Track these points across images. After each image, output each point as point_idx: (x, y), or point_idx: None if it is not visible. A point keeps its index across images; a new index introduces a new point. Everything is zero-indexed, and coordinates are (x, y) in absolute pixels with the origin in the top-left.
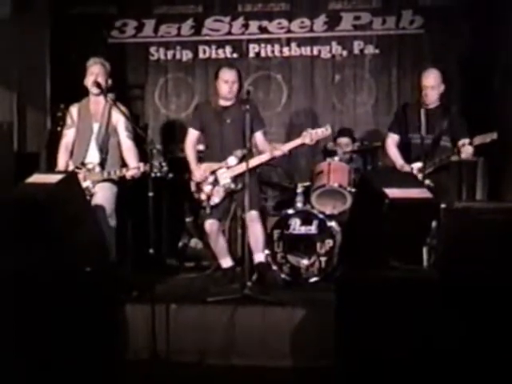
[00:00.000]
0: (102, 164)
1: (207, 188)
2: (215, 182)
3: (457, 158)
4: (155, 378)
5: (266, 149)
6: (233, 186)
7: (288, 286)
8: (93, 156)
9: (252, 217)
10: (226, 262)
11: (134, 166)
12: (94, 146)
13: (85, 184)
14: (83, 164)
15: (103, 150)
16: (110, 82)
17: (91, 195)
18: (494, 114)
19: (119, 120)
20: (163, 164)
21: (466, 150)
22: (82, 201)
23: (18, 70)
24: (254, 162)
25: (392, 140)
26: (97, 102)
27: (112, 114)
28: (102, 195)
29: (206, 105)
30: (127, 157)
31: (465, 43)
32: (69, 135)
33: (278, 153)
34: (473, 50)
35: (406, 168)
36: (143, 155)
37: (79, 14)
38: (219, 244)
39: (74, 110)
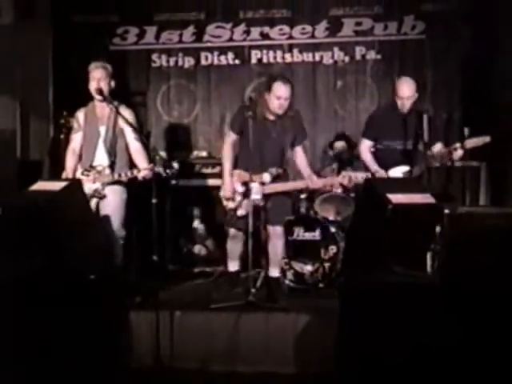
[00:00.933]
0: (112, 167)
1: (237, 198)
2: (246, 195)
3: (449, 162)
4: None
5: (303, 168)
6: (262, 203)
7: (292, 292)
8: (101, 159)
9: (277, 232)
10: (234, 266)
11: (145, 167)
12: (103, 148)
13: (94, 186)
14: (92, 167)
15: (111, 153)
16: (113, 84)
17: (101, 197)
18: (495, 118)
19: (126, 124)
20: (174, 164)
21: (457, 154)
22: (85, 208)
23: (20, 78)
24: (287, 186)
25: (365, 146)
26: (102, 107)
27: (118, 116)
28: (114, 200)
29: (251, 110)
30: (136, 158)
31: (466, 48)
32: (76, 139)
33: (313, 186)
34: (474, 55)
35: (381, 173)
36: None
37: (81, 22)
38: (236, 249)
39: (80, 114)
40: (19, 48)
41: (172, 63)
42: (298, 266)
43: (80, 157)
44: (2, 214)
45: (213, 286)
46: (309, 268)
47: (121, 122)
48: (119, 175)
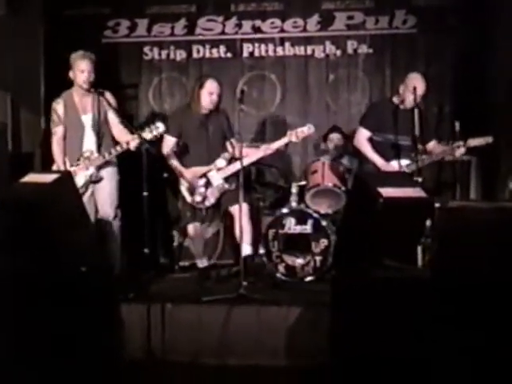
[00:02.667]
0: (98, 149)
1: (201, 190)
2: (208, 184)
3: (450, 157)
4: (150, 377)
5: (244, 151)
6: (227, 186)
7: (283, 285)
8: (89, 145)
9: (243, 209)
10: (203, 263)
11: (132, 137)
12: (91, 135)
13: (89, 172)
14: (80, 155)
15: (100, 136)
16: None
17: (98, 181)
18: (487, 114)
19: (109, 107)
20: (158, 124)
21: (460, 151)
22: (76, 200)
23: (11, 70)
24: (246, 160)
25: (363, 136)
26: (83, 95)
27: (101, 101)
28: (109, 183)
29: (186, 111)
30: (121, 135)
31: (458, 43)
32: (58, 132)
33: (268, 151)
34: (466, 49)
35: (387, 167)
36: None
37: (72, 14)
38: (199, 246)
39: (58, 106)
40: (10, 40)
41: (164, 56)
42: (289, 259)
43: (64, 149)
44: None
45: (204, 279)
46: (300, 261)
47: (104, 107)
48: (109, 153)
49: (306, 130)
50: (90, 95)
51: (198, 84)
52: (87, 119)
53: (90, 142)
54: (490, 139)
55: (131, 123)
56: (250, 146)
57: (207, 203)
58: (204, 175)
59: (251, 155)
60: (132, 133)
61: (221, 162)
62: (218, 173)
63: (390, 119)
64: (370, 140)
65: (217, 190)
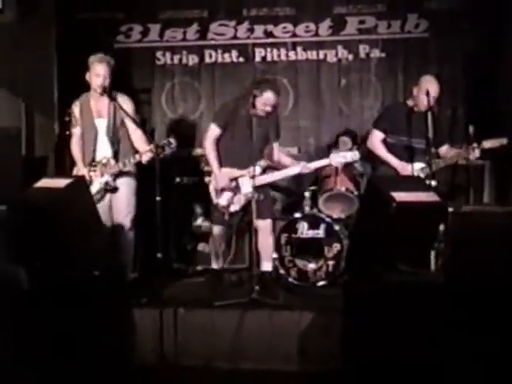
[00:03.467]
0: (116, 156)
1: (228, 194)
2: (236, 190)
3: (463, 161)
4: (162, 381)
5: (282, 160)
6: (255, 196)
7: (295, 290)
8: (104, 151)
9: (267, 225)
10: (218, 264)
11: (146, 149)
12: (105, 140)
13: (104, 179)
14: (96, 161)
15: (114, 143)
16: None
17: (113, 190)
18: (500, 117)
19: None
20: (171, 140)
21: (474, 154)
22: (89, 205)
23: (24, 75)
24: (281, 174)
25: (377, 138)
26: (98, 99)
27: (117, 107)
28: (126, 194)
29: (236, 107)
30: (139, 146)
31: (470, 46)
32: (76, 134)
33: (306, 170)
34: (478, 53)
35: (406, 168)
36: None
37: (85, 19)
38: (220, 248)
39: (76, 109)
40: (23, 45)
41: (176, 61)
42: (301, 263)
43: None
44: (6, 212)
45: (217, 283)
46: (312, 266)
47: (121, 112)
48: (124, 163)
49: (350, 156)
50: (105, 99)
51: (256, 89)
52: (101, 123)
53: (104, 147)
54: (504, 141)
55: (144, 128)
56: (288, 154)
57: (232, 209)
58: (235, 179)
59: (287, 169)
60: (149, 141)
61: (257, 170)
62: (250, 180)
63: (404, 122)
64: (384, 142)
65: (244, 198)
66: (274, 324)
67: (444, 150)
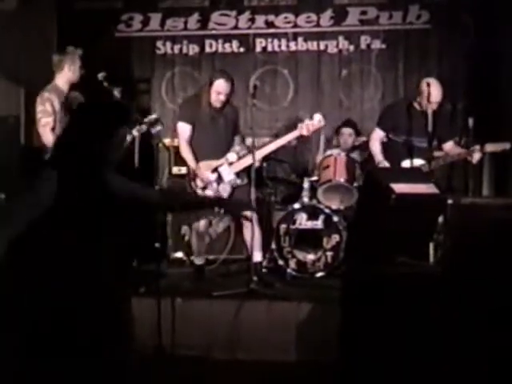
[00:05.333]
0: None
1: (213, 186)
2: (219, 180)
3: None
4: (160, 372)
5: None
6: (239, 181)
7: (294, 281)
8: None
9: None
10: (200, 260)
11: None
12: None
13: None
14: None
15: None
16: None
17: None
18: (500, 110)
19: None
20: (152, 118)
21: (476, 157)
22: None
23: (24, 64)
24: (258, 154)
25: (377, 136)
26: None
27: None
28: None
29: (197, 102)
30: None
31: (471, 38)
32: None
33: (279, 143)
34: (479, 45)
35: (385, 164)
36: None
37: (85, 8)
38: (203, 242)
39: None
40: (23, 33)
41: (176, 50)
42: (300, 254)
43: None
44: (5, 200)
45: (214, 273)
46: (311, 257)
47: None
48: None
49: (317, 122)
50: None
51: (208, 80)
52: None
53: None
54: (507, 145)
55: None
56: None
57: None
58: (215, 170)
59: (266, 147)
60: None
61: (232, 156)
62: (230, 167)
63: (406, 120)
64: (386, 140)
65: (229, 186)
66: (272, 314)
67: (448, 146)
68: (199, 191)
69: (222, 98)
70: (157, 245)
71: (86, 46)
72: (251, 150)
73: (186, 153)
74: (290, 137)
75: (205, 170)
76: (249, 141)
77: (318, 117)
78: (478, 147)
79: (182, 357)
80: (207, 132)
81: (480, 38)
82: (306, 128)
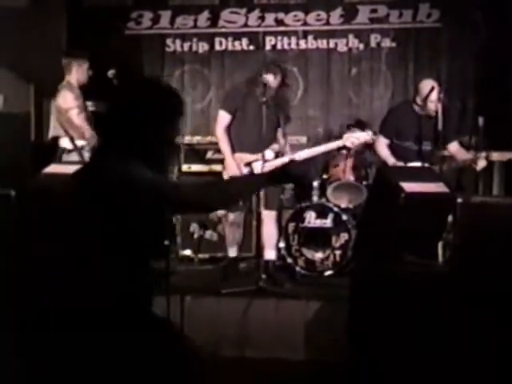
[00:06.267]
0: None
1: None
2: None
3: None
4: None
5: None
6: None
7: (302, 279)
8: None
9: (271, 215)
10: (233, 252)
11: None
12: None
13: None
14: None
15: None
16: None
17: None
18: (510, 107)
19: None
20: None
21: (481, 164)
22: None
23: (34, 61)
24: (298, 155)
25: (382, 142)
26: None
27: None
28: None
29: (246, 91)
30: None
31: (482, 36)
32: None
33: (320, 151)
34: (490, 44)
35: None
36: None
37: (95, 5)
38: (236, 235)
39: None
40: (34, 31)
41: (186, 48)
42: (308, 252)
43: None
44: (15, 198)
45: (224, 271)
46: (319, 255)
47: None
48: None
49: (364, 136)
50: None
51: (260, 72)
52: None
53: None
54: None
55: None
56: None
57: None
58: (249, 164)
59: (301, 153)
60: None
61: (269, 154)
62: (264, 165)
63: (409, 124)
64: (391, 145)
65: None
66: (280, 313)
67: (453, 147)
68: None
69: (271, 92)
70: (166, 242)
71: (96, 43)
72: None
73: (223, 143)
74: (333, 145)
75: (239, 162)
76: None
77: (368, 132)
78: (483, 154)
79: None
80: (251, 124)
81: (491, 37)
82: (350, 141)
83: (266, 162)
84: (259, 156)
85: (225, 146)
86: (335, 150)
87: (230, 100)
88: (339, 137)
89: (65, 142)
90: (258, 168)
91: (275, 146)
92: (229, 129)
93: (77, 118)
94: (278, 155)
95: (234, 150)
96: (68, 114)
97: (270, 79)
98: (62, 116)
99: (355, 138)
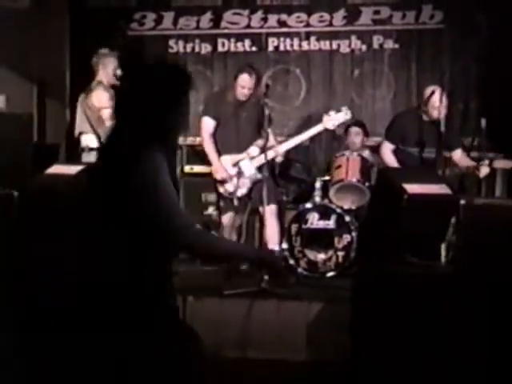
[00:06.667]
0: None
1: (233, 180)
2: (240, 174)
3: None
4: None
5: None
6: (259, 175)
7: (304, 280)
8: None
9: (271, 211)
10: None
11: None
12: None
13: None
14: None
15: None
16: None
17: None
18: None
19: None
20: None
21: (483, 171)
22: None
23: (37, 62)
24: (283, 146)
25: (387, 148)
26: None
27: None
28: None
29: (221, 96)
30: None
31: (484, 38)
32: None
33: (304, 137)
34: (493, 45)
35: None
36: None
37: (98, 6)
38: (231, 237)
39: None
40: (36, 32)
41: (189, 49)
42: (311, 254)
43: None
44: (18, 198)
45: (226, 272)
46: (322, 256)
47: None
48: None
49: (343, 116)
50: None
51: (234, 74)
52: None
53: None
54: None
55: None
56: (282, 140)
57: (239, 193)
58: (236, 164)
59: (285, 144)
60: None
61: (254, 150)
62: (251, 162)
63: (414, 131)
64: (395, 151)
65: (249, 180)
66: (282, 314)
67: (457, 155)
68: (218, 186)
69: (246, 91)
70: None
71: (99, 44)
72: (265, 148)
73: (209, 147)
74: (315, 131)
75: (226, 164)
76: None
77: (344, 109)
78: (486, 162)
79: None
80: (231, 126)
81: (493, 38)
82: (331, 123)
83: (253, 158)
84: (245, 154)
85: (211, 150)
86: (316, 134)
87: (212, 106)
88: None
89: (88, 140)
90: (246, 166)
91: (259, 142)
92: (214, 134)
93: (108, 118)
94: (263, 151)
95: (219, 153)
96: (100, 112)
97: (246, 79)
98: (93, 114)
99: (335, 119)
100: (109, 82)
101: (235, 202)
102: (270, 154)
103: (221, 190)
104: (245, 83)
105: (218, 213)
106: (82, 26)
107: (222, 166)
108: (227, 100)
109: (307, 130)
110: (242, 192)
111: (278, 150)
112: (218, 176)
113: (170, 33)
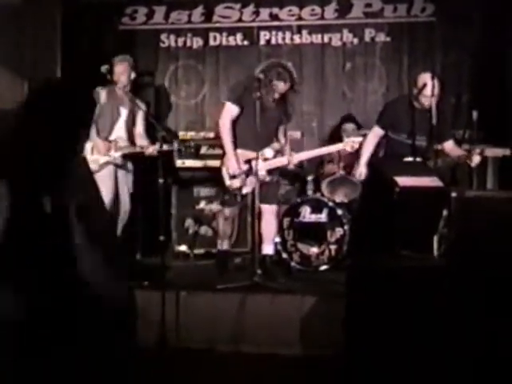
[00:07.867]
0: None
1: (241, 176)
2: (249, 172)
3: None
4: (164, 364)
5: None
6: (268, 179)
7: (297, 274)
8: (120, 135)
9: (272, 210)
10: (225, 245)
11: (153, 148)
12: (123, 126)
13: (116, 154)
14: (111, 140)
15: (129, 132)
16: (133, 75)
17: (116, 164)
18: (505, 104)
19: (139, 111)
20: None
21: (475, 160)
22: (91, 185)
23: (29, 57)
24: (297, 157)
25: (374, 134)
26: (121, 92)
27: (134, 104)
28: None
29: (249, 86)
30: (140, 141)
31: (476, 31)
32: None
33: (320, 153)
34: (485, 38)
35: (363, 166)
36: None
37: (90, 1)
38: (228, 229)
39: (102, 92)
40: (28, 27)
41: (180, 43)
42: (304, 247)
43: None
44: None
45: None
46: (315, 250)
47: (136, 110)
48: (141, 147)
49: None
50: (126, 96)
51: (266, 76)
52: (124, 111)
53: (118, 130)
54: (507, 151)
55: (148, 111)
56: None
57: (244, 191)
58: (249, 161)
59: (301, 155)
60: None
61: (269, 153)
62: (264, 163)
63: (406, 118)
64: (386, 139)
65: (257, 181)
66: (275, 308)
67: (448, 145)
68: (226, 179)
69: (277, 96)
70: (161, 238)
71: (90, 38)
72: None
73: (226, 134)
74: (333, 149)
75: (240, 159)
76: None
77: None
78: (478, 150)
79: (186, 349)
80: (252, 122)
81: (485, 31)
82: (350, 145)
83: (266, 160)
84: (259, 154)
85: (228, 139)
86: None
87: (238, 93)
88: (338, 139)
89: None
90: (258, 167)
91: (275, 145)
92: (233, 123)
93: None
94: (277, 154)
95: (235, 146)
96: None
97: (280, 86)
98: None
99: (356, 142)
100: (120, 85)
101: (238, 199)
102: (283, 161)
103: (227, 183)
104: (278, 90)
105: (211, 206)
106: (74, 21)
107: (238, 160)
108: (254, 94)
109: (327, 146)
110: (247, 190)
111: (292, 160)
112: (230, 171)
113: (161, 27)
